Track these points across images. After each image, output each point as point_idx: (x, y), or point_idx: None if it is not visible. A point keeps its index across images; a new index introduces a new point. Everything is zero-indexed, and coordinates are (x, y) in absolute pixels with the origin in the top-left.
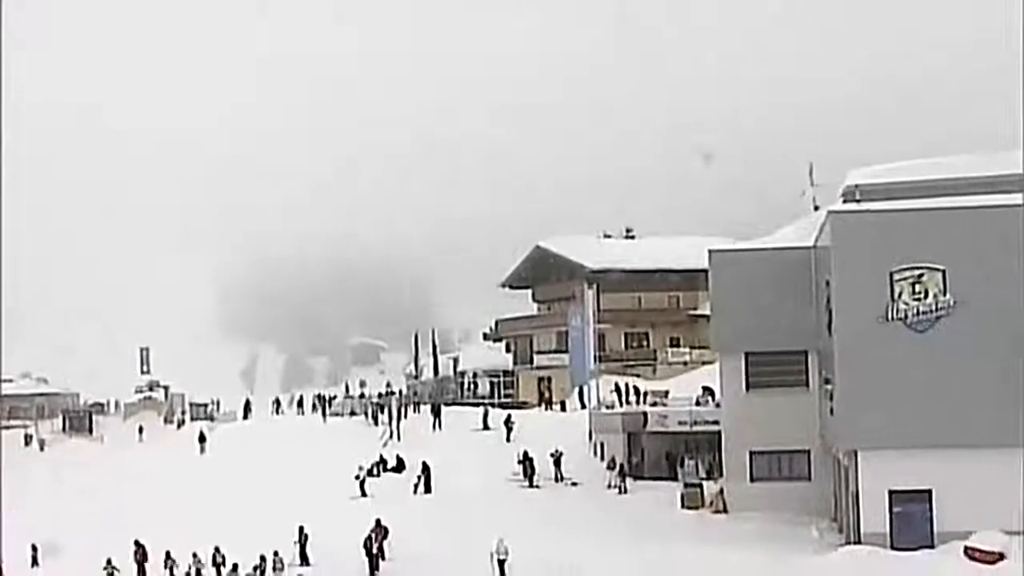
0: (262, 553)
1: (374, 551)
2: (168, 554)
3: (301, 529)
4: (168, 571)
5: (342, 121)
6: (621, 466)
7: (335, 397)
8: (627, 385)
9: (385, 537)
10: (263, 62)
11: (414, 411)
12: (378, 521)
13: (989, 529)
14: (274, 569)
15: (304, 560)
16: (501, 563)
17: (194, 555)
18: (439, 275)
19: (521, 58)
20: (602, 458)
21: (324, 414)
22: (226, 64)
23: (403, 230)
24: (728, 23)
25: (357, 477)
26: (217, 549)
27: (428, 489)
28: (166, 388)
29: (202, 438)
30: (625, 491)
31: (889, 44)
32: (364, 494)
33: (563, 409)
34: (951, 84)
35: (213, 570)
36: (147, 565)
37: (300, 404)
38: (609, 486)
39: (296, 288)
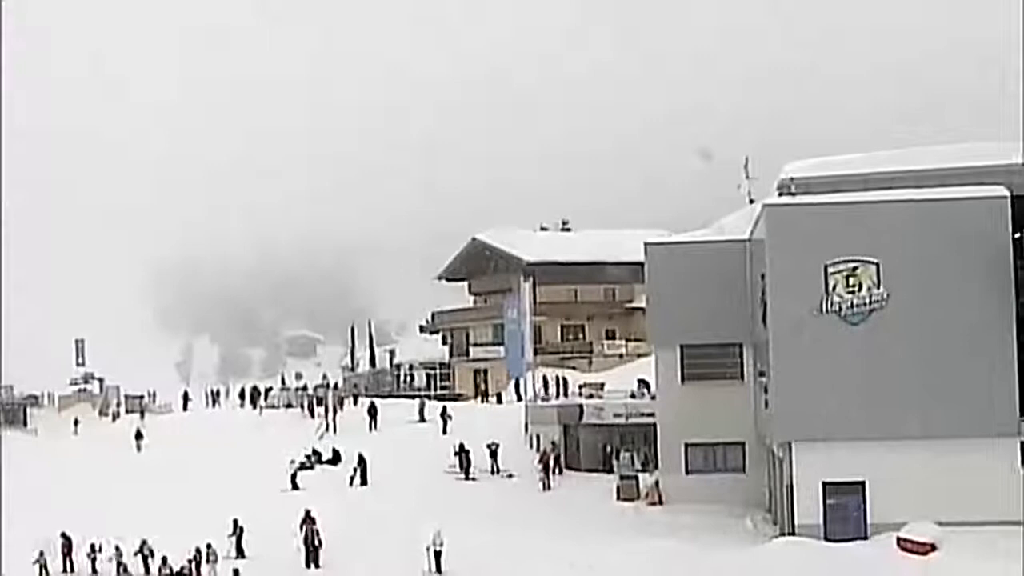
0: (197, 546)
1: (314, 544)
2: (93, 546)
3: (236, 522)
4: (91, 563)
5: (286, 115)
6: (546, 462)
7: (271, 389)
8: (557, 378)
9: (314, 527)
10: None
11: (353, 404)
12: (307, 512)
13: (922, 520)
14: (207, 561)
15: (240, 553)
16: (437, 555)
17: (116, 548)
18: (376, 267)
19: (457, 54)
20: (538, 450)
21: (260, 406)
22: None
23: (340, 222)
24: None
25: (291, 471)
26: (144, 542)
27: (364, 481)
28: (101, 380)
29: (139, 435)
30: (549, 487)
31: (895, 47)
32: (296, 487)
33: (499, 401)
34: (968, 89)
35: (139, 561)
36: (73, 557)
37: (241, 396)
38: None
39: (231, 279)
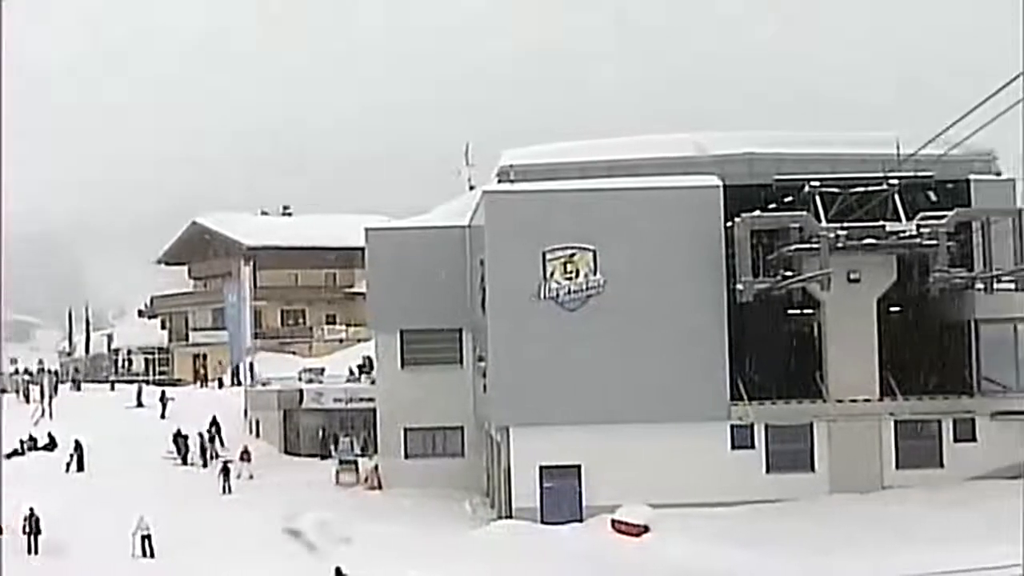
0: None
1: (25, 530)
2: None
3: None
4: None
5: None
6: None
7: None
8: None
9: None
10: None
11: (73, 388)
12: None
13: (636, 503)
14: None
15: None
16: (145, 539)
17: None
18: (93, 251)
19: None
20: (258, 435)
21: None
22: None
23: (54, 204)
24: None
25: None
26: None
27: (81, 467)
28: None
29: None
30: (229, 490)
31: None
32: None
33: (220, 386)
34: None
35: None
36: None
37: None
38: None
39: None
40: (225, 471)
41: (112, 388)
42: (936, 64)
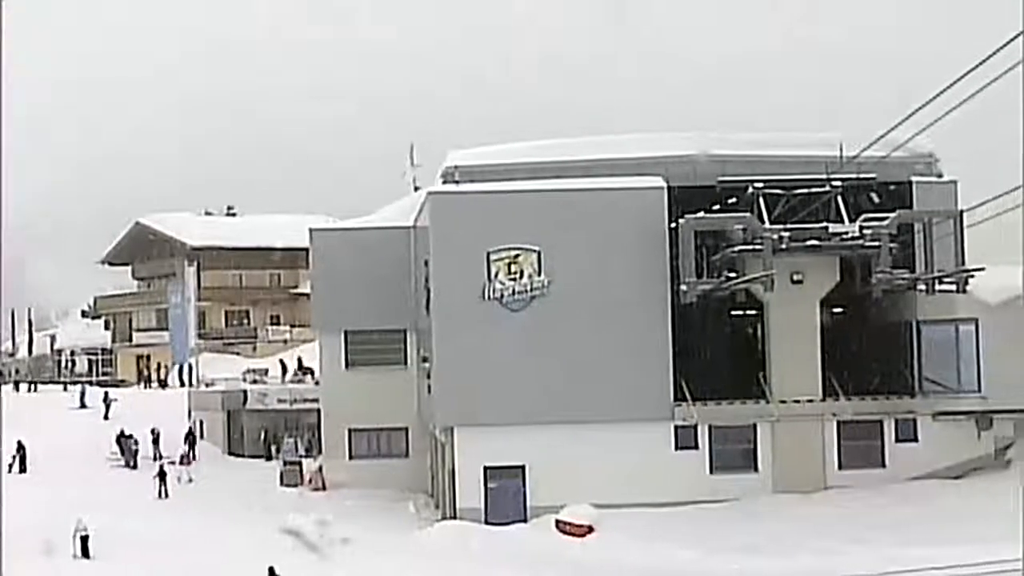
0: None
1: None
2: None
3: None
4: None
5: None
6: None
7: None
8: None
9: None
10: None
11: (14, 389)
12: None
13: (580, 503)
14: None
15: None
16: (84, 540)
17: None
18: (35, 250)
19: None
20: (202, 436)
21: None
22: None
23: None
24: None
25: None
26: None
27: (23, 469)
28: None
29: None
30: (166, 495)
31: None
32: None
33: (163, 387)
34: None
35: None
36: None
37: None
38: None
39: None
40: (162, 474)
41: (65, 389)
42: (936, 65)
